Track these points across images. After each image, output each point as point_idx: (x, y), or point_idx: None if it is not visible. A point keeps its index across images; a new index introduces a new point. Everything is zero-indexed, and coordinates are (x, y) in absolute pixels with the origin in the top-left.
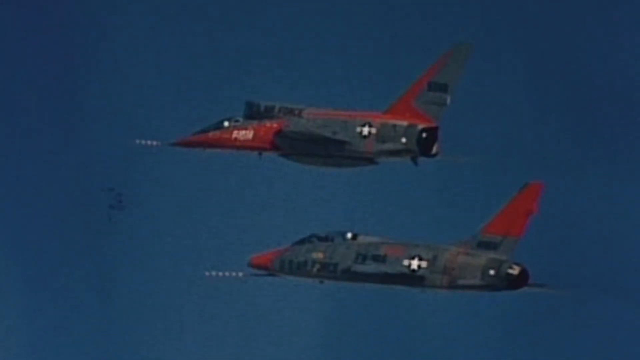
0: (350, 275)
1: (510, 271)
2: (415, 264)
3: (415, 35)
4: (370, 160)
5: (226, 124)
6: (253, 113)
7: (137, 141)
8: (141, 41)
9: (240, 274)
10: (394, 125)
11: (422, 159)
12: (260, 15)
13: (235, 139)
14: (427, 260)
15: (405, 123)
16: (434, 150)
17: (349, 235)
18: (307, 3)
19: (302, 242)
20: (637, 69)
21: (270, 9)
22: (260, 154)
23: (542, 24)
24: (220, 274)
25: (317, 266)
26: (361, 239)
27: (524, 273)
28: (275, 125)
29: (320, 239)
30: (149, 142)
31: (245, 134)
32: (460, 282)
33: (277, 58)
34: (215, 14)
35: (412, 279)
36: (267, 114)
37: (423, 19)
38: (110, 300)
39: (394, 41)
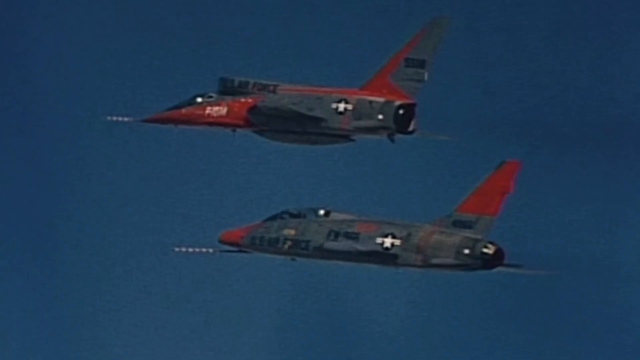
0: (322, 252)
1: (485, 250)
2: (388, 242)
3: (392, 9)
4: (346, 137)
5: (199, 99)
6: (227, 89)
7: (108, 117)
8: (113, 16)
9: (211, 250)
10: (370, 102)
11: (399, 136)
12: None
13: (209, 115)
14: (401, 238)
15: (381, 99)
16: (411, 127)
17: (322, 212)
18: None
19: (273, 218)
20: (617, 48)
21: None
22: (234, 130)
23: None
24: (190, 249)
25: (289, 243)
26: (334, 215)
27: (499, 252)
28: (249, 101)
29: (292, 215)
30: (120, 119)
31: (218, 110)
32: (434, 260)
33: (251, 33)
34: None
35: (385, 257)
36: (241, 89)
37: None
38: (78, 275)
39: (370, 15)
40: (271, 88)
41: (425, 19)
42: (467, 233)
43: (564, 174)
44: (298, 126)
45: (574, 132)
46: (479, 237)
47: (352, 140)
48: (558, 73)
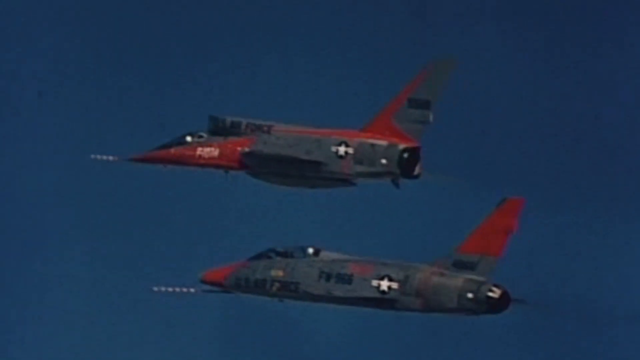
0: (313, 296)
1: (490, 294)
2: (385, 285)
3: (393, 47)
4: (347, 181)
5: (189, 139)
6: (218, 129)
7: (92, 156)
8: (98, 51)
9: (192, 290)
10: (373, 145)
11: (403, 180)
12: (229, 24)
13: (200, 156)
14: (398, 281)
15: (384, 143)
16: (416, 171)
17: (311, 250)
18: (280, 13)
19: (258, 257)
20: (619, 86)
21: (240, 17)
22: (226, 172)
23: (523, 38)
24: (170, 289)
25: (277, 285)
26: (323, 255)
27: (505, 296)
28: (242, 142)
29: (278, 254)
30: (104, 157)
31: (210, 152)
32: (436, 305)
33: (244, 69)
34: (178, 18)
35: (382, 301)
36: (234, 130)
37: (403, 31)
38: (56, 314)
39: (370, 52)
40: (265, 128)
41: (428, 58)
42: (470, 274)
43: (569, 214)
44: (295, 170)
45: (581, 172)
46: (482, 279)
47: (353, 184)
48: (562, 110)
